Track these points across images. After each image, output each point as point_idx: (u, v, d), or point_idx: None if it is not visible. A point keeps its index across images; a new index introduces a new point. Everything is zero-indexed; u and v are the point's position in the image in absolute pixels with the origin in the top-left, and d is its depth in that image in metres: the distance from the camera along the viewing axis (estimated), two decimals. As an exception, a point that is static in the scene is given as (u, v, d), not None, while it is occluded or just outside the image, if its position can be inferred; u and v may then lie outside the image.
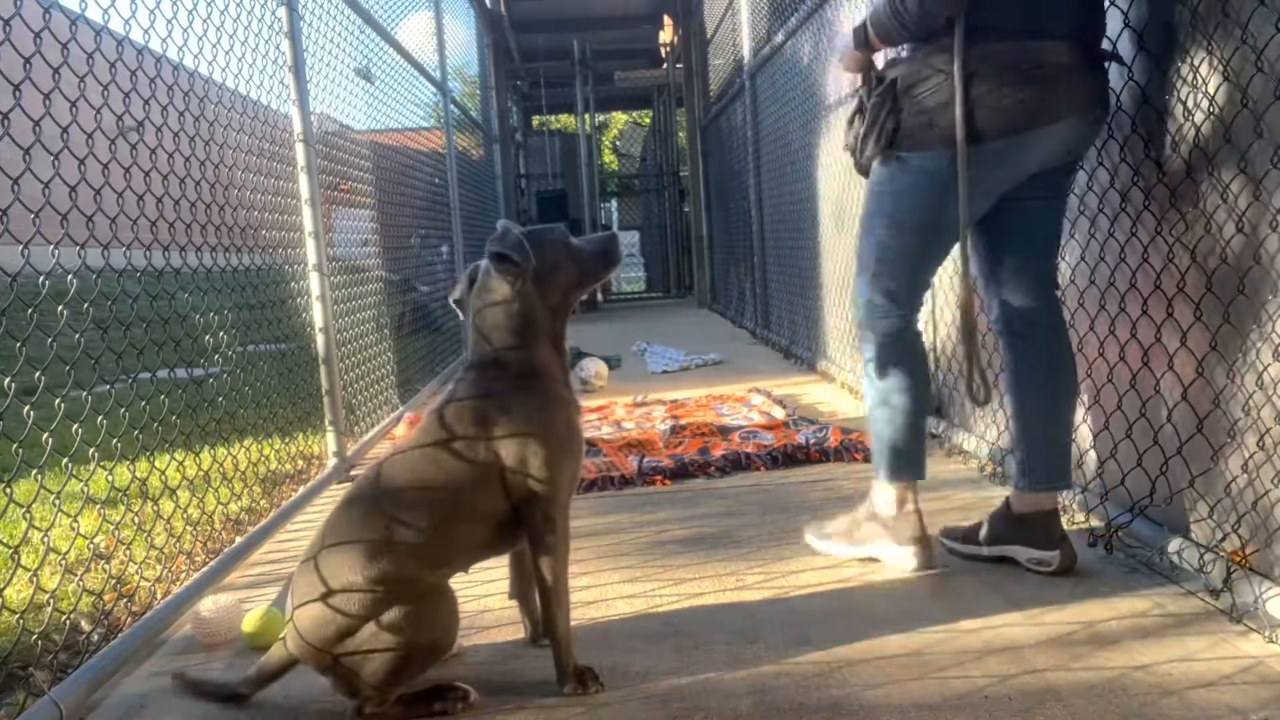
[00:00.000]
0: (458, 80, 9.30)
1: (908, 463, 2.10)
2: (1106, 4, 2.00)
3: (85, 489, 2.08)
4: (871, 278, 2.08)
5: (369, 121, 4.61)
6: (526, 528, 1.61)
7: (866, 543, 2.16)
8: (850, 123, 2.05)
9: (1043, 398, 2.07)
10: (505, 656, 1.78)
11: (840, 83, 4.23)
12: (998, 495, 2.60)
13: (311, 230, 3.28)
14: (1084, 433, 2.37)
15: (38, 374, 1.69)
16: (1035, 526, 2.04)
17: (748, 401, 4.25)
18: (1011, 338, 2.10)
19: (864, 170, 2.10)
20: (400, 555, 1.53)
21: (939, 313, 3.30)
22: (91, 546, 2.13)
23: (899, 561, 2.11)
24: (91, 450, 1.97)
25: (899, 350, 2.08)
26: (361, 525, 1.55)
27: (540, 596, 1.63)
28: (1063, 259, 2.39)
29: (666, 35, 11.62)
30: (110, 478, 2.22)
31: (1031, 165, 1.95)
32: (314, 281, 3.28)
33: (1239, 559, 1.79)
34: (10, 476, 1.78)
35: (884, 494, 2.13)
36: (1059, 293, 2.12)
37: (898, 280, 2.06)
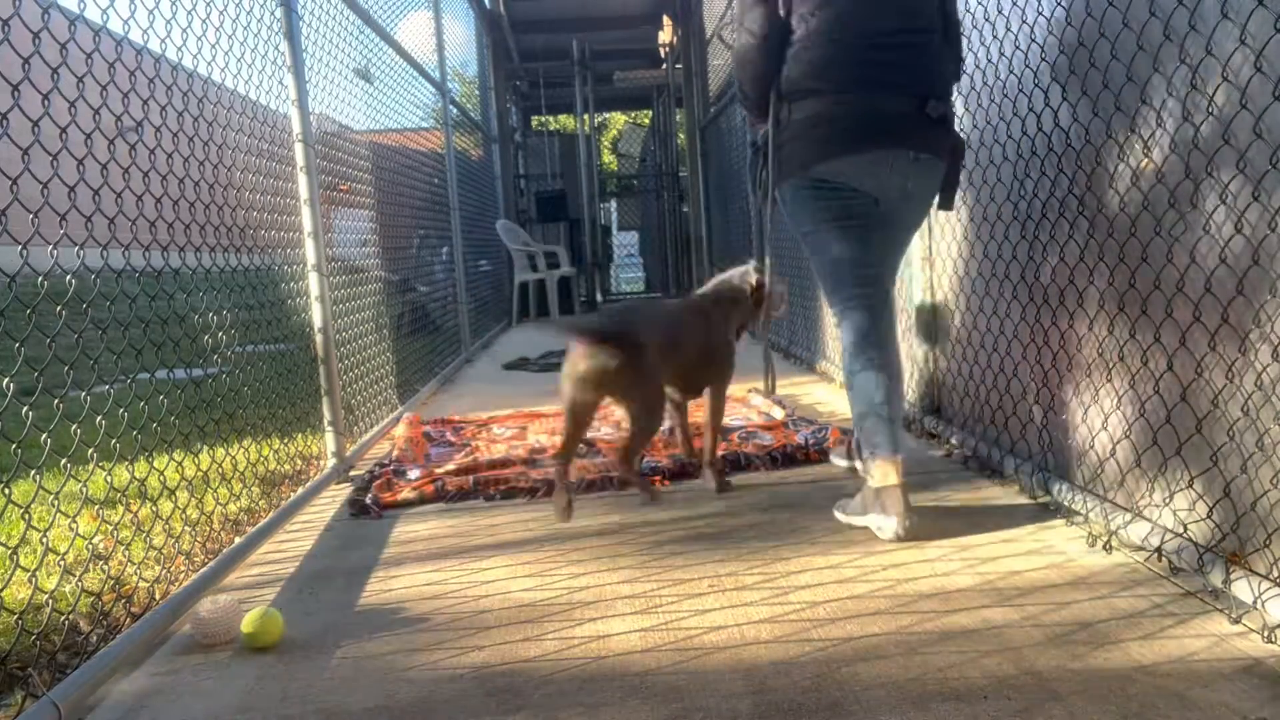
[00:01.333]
0: (457, 80, 9.28)
1: (881, 440, 2.33)
2: (955, 63, 2.43)
3: (84, 489, 2.08)
4: (821, 281, 2.51)
5: (368, 122, 4.61)
6: (710, 388, 2.81)
7: (861, 513, 2.39)
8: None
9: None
10: (506, 657, 1.78)
11: None
12: (996, 494, 2.61)
13: (311, 230, 3.28)
14: (1084, 432, 2.38)
15: (36, 374, 1.68)
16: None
17: (747, 402, 4.25)
18: None
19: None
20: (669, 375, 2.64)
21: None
22: (90, 547, 2.13)
23: (882, 530, 2.31)
24: (90, 451, 1.96)
25: (858, 339, 2.39)
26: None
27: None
28: (1062, 259, 2.40)
29: (666, 35, 11.60)
30: (109, 478, 2.22)
31: (858, 186, 2.33)
32: (313, 282, 3.28)
33: (1237, 559, 1.79)
34: (9, 477, 1.78)
35: (872, 470, 2.34)
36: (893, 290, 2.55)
37: (834, 280, 2.45)
